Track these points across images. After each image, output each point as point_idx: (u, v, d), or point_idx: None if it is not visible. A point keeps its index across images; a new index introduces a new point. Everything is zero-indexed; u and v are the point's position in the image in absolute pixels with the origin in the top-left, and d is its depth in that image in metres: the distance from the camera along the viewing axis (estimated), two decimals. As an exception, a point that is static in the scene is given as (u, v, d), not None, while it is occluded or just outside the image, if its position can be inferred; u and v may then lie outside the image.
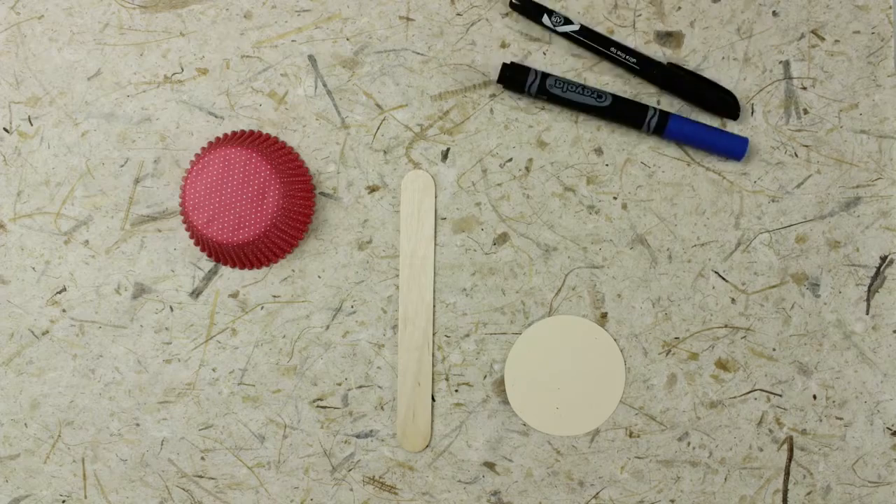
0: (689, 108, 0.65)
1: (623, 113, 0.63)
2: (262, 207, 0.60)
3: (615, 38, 0.65)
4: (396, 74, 0.65)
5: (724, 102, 0.63)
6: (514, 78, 0.63)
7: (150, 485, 0.64)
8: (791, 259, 0.65)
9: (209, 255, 0.63)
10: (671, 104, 0.65)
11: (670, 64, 0.63)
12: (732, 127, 0.65)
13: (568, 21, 0.62)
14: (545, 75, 0.63)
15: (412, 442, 0.64)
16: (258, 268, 0.64)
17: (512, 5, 0.63)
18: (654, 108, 0.63)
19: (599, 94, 0.62)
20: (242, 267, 0.64)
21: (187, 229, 0.63)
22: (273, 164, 0.60)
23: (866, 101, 0.65)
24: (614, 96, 0.63)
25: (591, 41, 0.63)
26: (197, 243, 0.63)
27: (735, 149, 0.63)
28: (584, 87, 0.63)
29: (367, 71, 0.65)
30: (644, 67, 0.63)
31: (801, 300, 0.64)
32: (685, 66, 0.64)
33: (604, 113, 0.63)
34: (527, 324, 0.65)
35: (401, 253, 0.64)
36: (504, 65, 0.63)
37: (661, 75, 0.63)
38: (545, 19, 0.63)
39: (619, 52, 0.63)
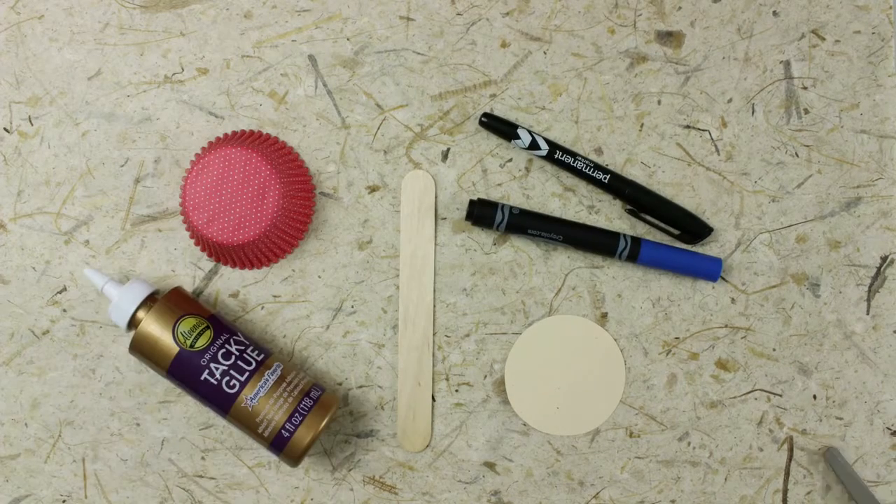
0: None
1: (594, 244, 0.62)
2: (262, 208, 0.60)
3: (616, 37, 0.65)
4: (397, 74, 0.65)
5: (692, 226, 0.63)
6: (482, 215, 0.62)
7: (151, 485, 0.64)
8: (791, 259, 0.65)
9: (209, 255, 0.63)
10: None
11: (637, 186, 0.63)
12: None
13: (535, 146, 0.62)
14: (513, 213, 0.62)
15: (412, 442, 0.64)
16: (258, 268, 0.64)
17: (481, 123, 0.63)
18: (626, 238, 0.62)
19: (563, 234, 0.62)
20: (243, 267, 0.64)
21: (187, 229, 0.63)
22: (273, 164, 0.60)
23: (867, 101, 0.65)
24: (584, 228, 0.62)
25: (560, 161, 0.63)
26: (197, 243, 0.63)
27: (709, 270, 0.63)
28: (552, 223, 0.62)
29: (368, 71, 0.65)
30: (615, 186, 0.63)
31: (801, 300, 0.64)
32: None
33: (576, 244, 0.63)
34: (527, 324, 0.65)
35: (401, 253, 0.64)
36: (471, 201, 0.62)
37: (632, 196, 0.63)
38: (515, 141, 0.63)
39: (589, 171, 0.62)
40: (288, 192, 0.60)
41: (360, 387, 0.65)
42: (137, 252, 0.64)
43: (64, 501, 0.64)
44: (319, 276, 0.64)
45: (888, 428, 0.64)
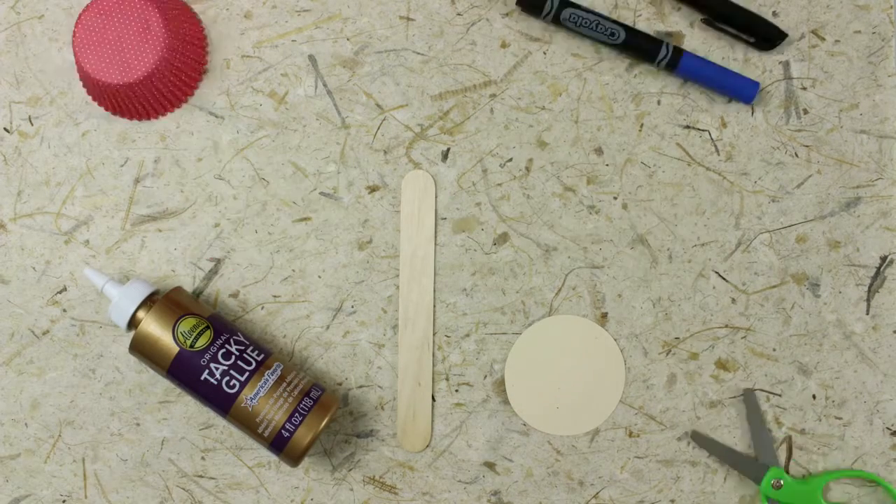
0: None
1: (636, 47, 0.63)
2: (148, 45, 0.60)
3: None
4: (397, 74, 0.65)
5: (766, 31, 0.63)
6: (532, 2, 0.63)
7: (151, 485, 0.64)
8: (791, 259, 0.65)
9: (106, 108, 0.63)
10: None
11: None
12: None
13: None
14: (563, 3, 0.63)
15: (412, 442, 0.64)
16: (154, 117, 0.63)
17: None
18: (668, 46, 0.63)
19: (612, 31, 0.62)
20: (140, 117, 0.63)
21: (84, 85, 0.63)
22: (159, 6, 0.60)
23: (867, 101, 0.65)
24: (627, 30, 0.63)
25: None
26: (92, 93, 0.63)
27: (745, 90, 0.63)
28: (599, 22, 0.63)
29: (368, 71, 0.65)
30: None
31: (801, 300, 0.64)
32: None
33: (618, 48, 0.63)
34: (527, 324, 0.65)
35: (401, 253, 0.64)
36: None
37: (706, 3, 0.63)
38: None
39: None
40: (174, 30, 0.60)
41: (360, 387, 0.65)
42: (137, 252, 0.64)
43: (64, 501, 0.64)
44: (319, 276, 0.64)
45: (888, 428, 0.64)
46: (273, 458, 0.64)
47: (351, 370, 0.64)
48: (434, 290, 0.64)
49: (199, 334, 0.59)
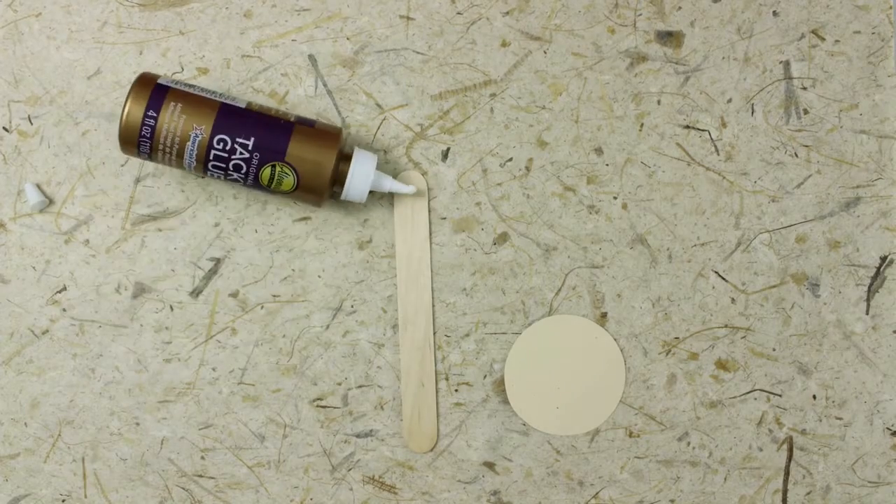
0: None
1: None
2: None
3: (616, 36, 0.65)
4: (397, 74, 0.65)
5: None
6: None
7: (150, 484, 0.64)
8: (791, 259, 0.65)
9: None
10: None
11: None
12: None
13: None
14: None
15: (419, 443, 0.64)
16: None
17: None
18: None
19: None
20: None
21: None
22: None
23: (866, 101, 0.65)
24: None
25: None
26: None
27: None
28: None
29: (368, 70, 0.65)
30: None
31: (801, 300, 0.65)
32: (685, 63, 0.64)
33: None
34: (527, 324, 0.65)
35: (397, 255, 0.64)
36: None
37: None
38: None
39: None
40: None
41: (360, 387, 0.65)
42: (137, 252, 0.64)
43: (63, 501, 0.64)
44: (319, 276, 0.64)
45: (888, 428, 0.64)
46: (273, 457, 0.64)
47: (351, 370, 0.64)
48: (433, 291, 0.64)
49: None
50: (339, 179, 0.60)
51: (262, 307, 0.64)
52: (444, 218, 0.65)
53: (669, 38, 0.65)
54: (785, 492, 0.65)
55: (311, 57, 0.65)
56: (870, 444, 0.64)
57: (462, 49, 0.65)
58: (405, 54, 0.65)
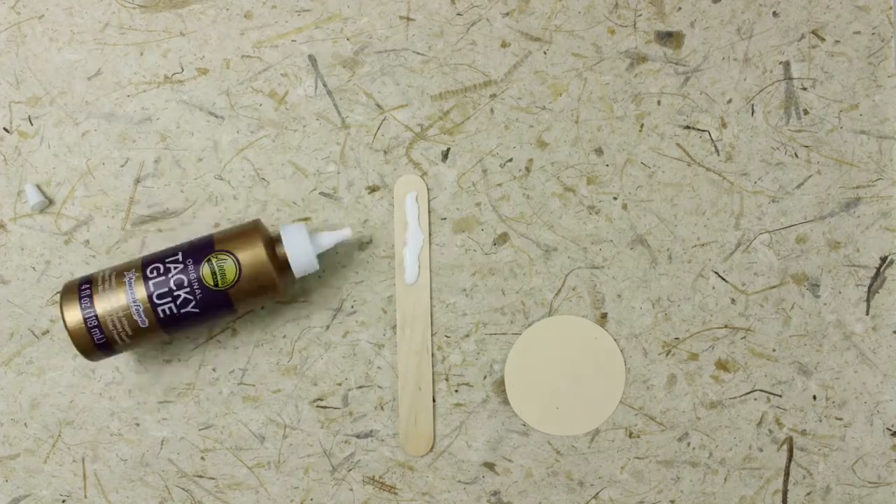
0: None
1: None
2: None
3: (616, 37, 0.65)
4: (397, 74, 0.65)
5: None
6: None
7: (150, 484, 0.64)
8: (791, 259, 0.65)
9: None
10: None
11: None
12: None
13: None
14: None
15: (415, 446, 0.64)
16: None
17: None
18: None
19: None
20: None
21: None
22: None
23: (866, 101, 0.65)
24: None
25: None
26: None
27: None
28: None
29: (368, 71, 0.65)
30: None
31: (801, 300, 0.64)
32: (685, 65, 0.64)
33: None
34: (527, 324, 0.65)
35: (395, 257, 0.64)
36: None
37: None
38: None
39: None
40: None
41: (360, 387, 0.65)
42: (137, 252, 0.64)
43: (64, 501, 0.64)
44: (319, 276, 0.64)
45: (888, 428, 0.64)
46: (273, 458, 0.64)
47: (351, 370, 0.64)
48: (431, 294, 0.64)
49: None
50: (281, 265, 0.60)
51: (262, 307, 0.64)
52: (444, 218, 0.65)
53: (669, 38, 0.65)
54: (785, 492, 0.64)
55: (311, 57, 0.65)
56: (870, 444, 0.64)
57: (462, 50, 0.65)
58: (405, 55, 0.65)
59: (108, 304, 0.57)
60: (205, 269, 0.57)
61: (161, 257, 0.58)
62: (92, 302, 0.57)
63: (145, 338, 0.58)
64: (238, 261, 0.58)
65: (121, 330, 0.57)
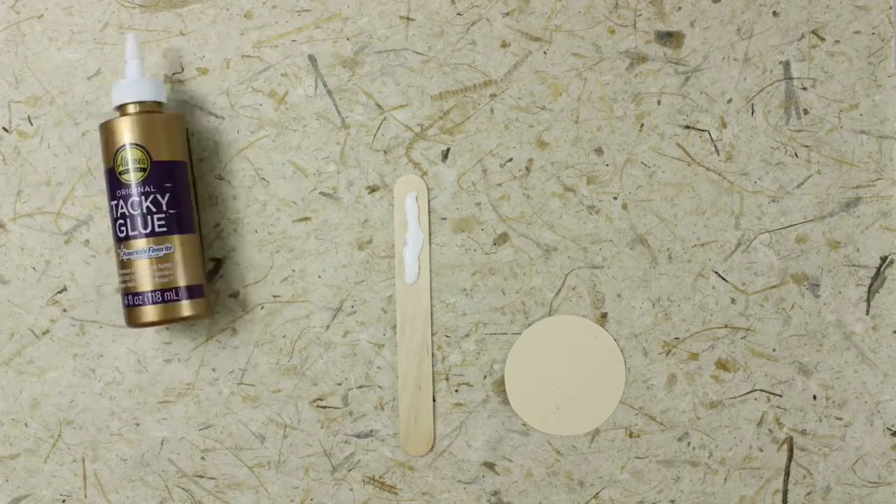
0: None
1: None
2: None
3: (616, 37, 0.65)
4: (397, 74, 0.65)
5: None
6: None
7: (151, 484, 0.64)
8: (791, 259, 0.65)
9: None
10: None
11: None
12: None
13: None
14: None
15: (415, 446, 0.64)
16: None
17: None
18: None
19: None
20: None
21: None
22: None
23: (866, 101, 0.65)
24: None
25: None
26: None
27: None
28: None
29: (368, 71, 0.65)
30: None
31: (801, 300, 0.64)
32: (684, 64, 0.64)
33: None
34: (527, 324, 0.65)
35: (395, 257, 0.64)
36: None
37: None
38: None
39: None
40: None
41: (360, 387, 0.65)
42: (137, 252, 0.64)
43: (64, 501, 0.64)
44: (319, 276, 0.64)
45: (888, 428, 0.64)
46: (273, 458, 0.64)
47: (351, 370, 0.64)
48: (431, 295, 0.64)
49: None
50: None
51: (262, 307, 0.64)
52: (444, 218, 0.65)
53: (669, 38, 0.65)
54: (785, 492, 0.64)
55: (311, 57, 0.65)
56: (870, 444, 0.64)
57: (462, 49, 0.65)
58: (405, 55, 0.65)
59: None
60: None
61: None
62: None
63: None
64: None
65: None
